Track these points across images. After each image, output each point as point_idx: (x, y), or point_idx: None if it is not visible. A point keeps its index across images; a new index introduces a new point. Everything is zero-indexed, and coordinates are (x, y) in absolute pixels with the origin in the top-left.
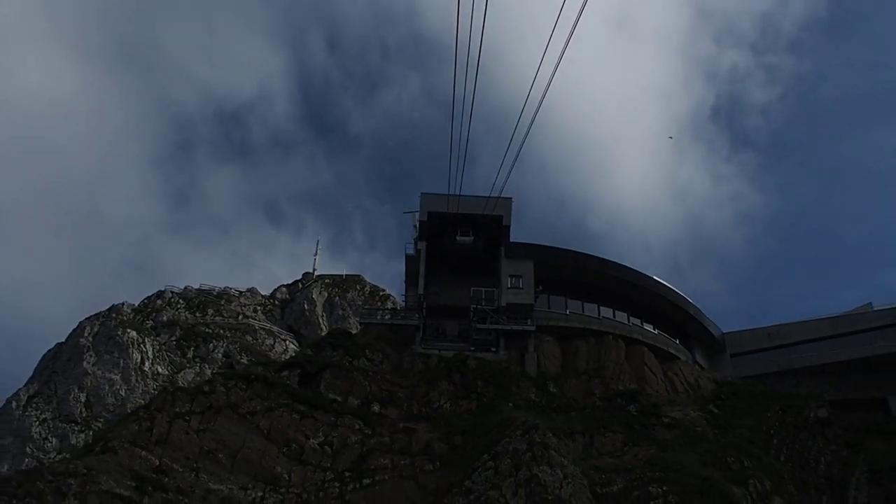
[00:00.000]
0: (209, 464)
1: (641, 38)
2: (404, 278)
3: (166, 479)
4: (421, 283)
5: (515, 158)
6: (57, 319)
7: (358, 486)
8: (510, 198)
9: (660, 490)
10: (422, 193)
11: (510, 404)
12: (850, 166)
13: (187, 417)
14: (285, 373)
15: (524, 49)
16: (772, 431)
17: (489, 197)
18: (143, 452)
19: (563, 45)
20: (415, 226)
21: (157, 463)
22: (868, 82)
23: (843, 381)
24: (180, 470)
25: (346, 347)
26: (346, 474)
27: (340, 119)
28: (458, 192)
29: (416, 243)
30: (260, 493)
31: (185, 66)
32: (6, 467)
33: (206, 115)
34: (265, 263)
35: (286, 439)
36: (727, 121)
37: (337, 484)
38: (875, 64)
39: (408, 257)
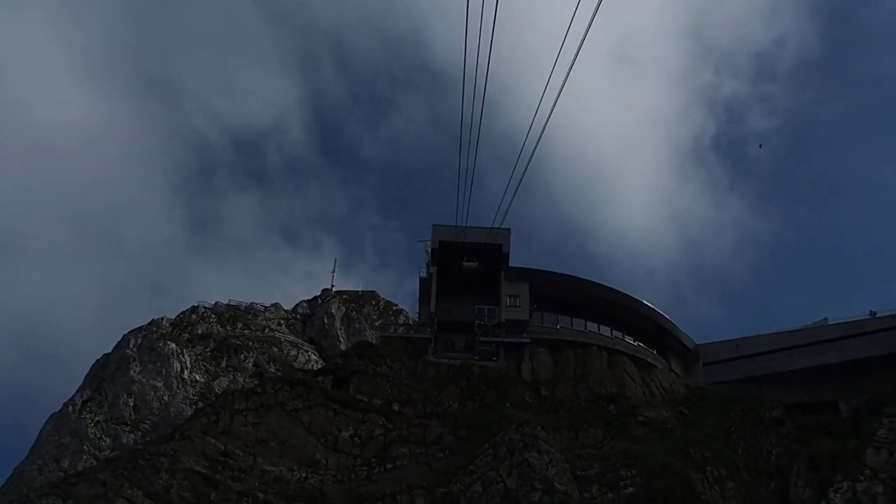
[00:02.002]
0: (263, 450)
1: (643, 71)
2: (418, 297)
3: (231, 461)
4: (433, 302)
5: (517, 188)
6: (83, 336)
7: (382, 470)
8: (509, 229)
9: (629, 473)
10: (433, 225)
11: (508, 404)
12: (853, 181)
13: (245, 413)
14: (321, 378)
15: (530, 82)
16: (732, 429)
17: (491, 228)
18: (213, 440)
19: (564, 77)
20: (426, 252)
21: (224, 448)
22: (866, 97)
23: (800, 387)
24: (241, 454)
25: (369, 357)
26: (373, 460)
27: (352, 144)
28: (464, 221)
29: (428, 267)
30: (303, 474)
31: (204, 97)
32: (66, 463)
33: (225, 144)
34: (283, 282)
35: (323, 432)
36: (728, 149)
37: (365, 468)
38: (872, 78)
39: (421, 280)
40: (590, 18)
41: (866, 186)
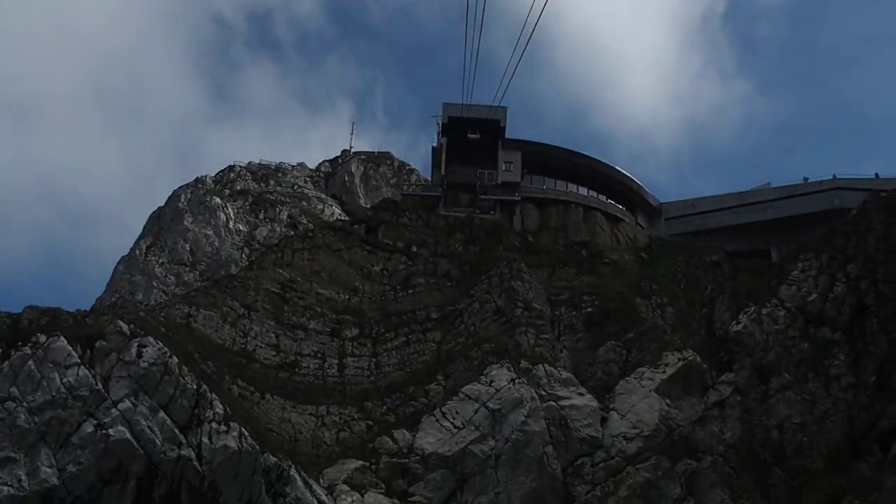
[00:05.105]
0: (317, 278)
1: None
2: (431, 163)
3: (295, 286)
4: (442, 166)
5: (516, 67)
6: (111, 200)
7: (405, 294)
8: (505, 107)
9: (590, 299)
10: (444, 103)
11: (501, 248)
12: (860, 53)
13: (302, 252)
14: (356, 226)
15: None
16: (678, 269)
17: (491, 106)
18: (280, 271)
19: None
20: (437, 123)
21: (288, 277)
22: None
23: (742, 238)
24: (301, 281)
25: (393, 210)
26: (398, 287)
27: (364, 14)
28: (469, 98)
29: (438, 138)
30: (347, 296)
31: None
32: (140, 296)
33: (239, 15)
34: (303, 145)
35: (360, 266)
36: (736, 26)
37: (392, 292)
38: None
39: (433, 149)
40: None
41: (875, 56)
